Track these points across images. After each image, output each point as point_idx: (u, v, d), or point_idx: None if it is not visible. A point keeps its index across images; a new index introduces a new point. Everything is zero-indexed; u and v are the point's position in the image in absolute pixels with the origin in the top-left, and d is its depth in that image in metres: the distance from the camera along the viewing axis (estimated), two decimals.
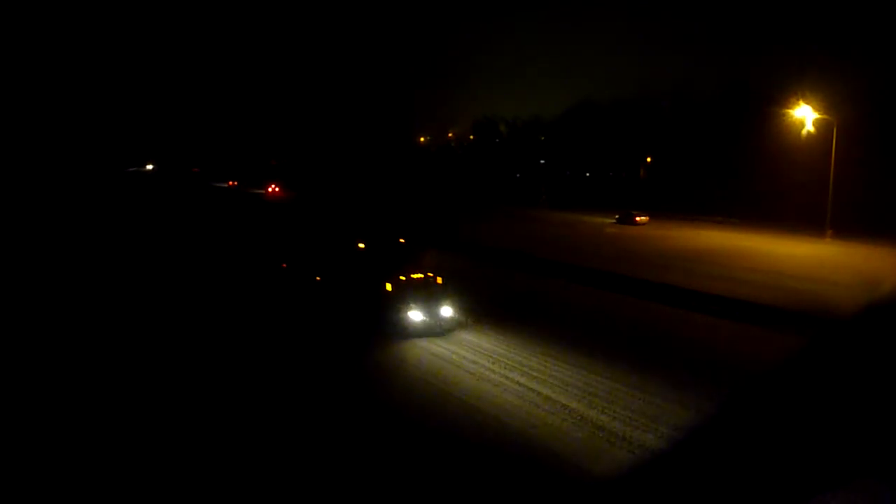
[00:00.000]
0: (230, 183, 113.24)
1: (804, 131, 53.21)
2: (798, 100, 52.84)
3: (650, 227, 58.20)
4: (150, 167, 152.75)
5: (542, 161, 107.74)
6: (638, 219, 59.82)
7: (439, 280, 21.26)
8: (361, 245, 23.15)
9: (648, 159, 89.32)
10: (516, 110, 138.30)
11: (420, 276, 21.10)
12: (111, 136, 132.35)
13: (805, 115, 52.35)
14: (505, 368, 17.41)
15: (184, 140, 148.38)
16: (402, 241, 23.45)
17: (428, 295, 20.31)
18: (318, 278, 24.76)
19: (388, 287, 20.68)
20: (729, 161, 68.38)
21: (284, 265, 27.96)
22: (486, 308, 22.99)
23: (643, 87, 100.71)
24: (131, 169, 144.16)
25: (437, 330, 20.13)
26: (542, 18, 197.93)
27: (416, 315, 19.94)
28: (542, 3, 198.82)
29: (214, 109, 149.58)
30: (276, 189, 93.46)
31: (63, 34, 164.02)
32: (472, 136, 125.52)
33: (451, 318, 20.62)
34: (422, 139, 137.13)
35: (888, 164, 54.58)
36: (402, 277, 20.76)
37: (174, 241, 42.67)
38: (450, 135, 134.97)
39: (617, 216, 62.32)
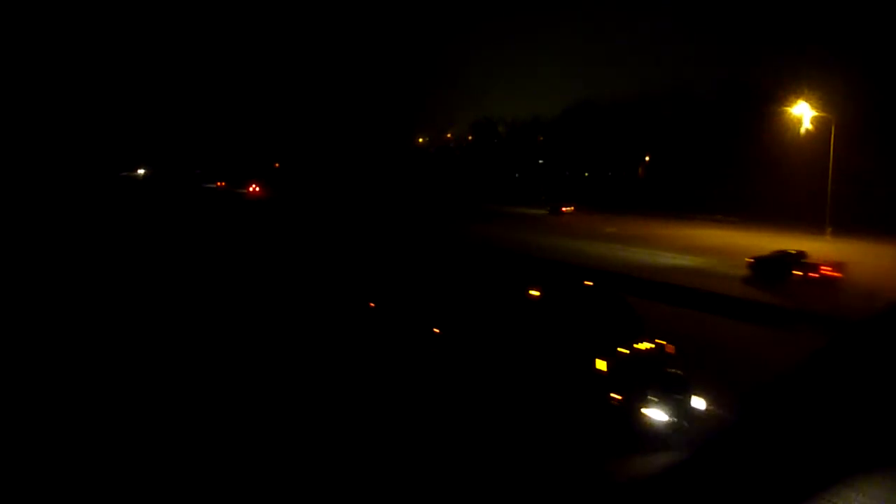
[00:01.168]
0: (218, 184, 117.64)
1: (802, 129, 53.45)
2: (796, 98, 53.10)
3: (658, 227, 58.35)
4: (141, 171, 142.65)
5: (540, 161, 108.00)
6: (564, 209, 71.96)
7: (670, 349, 13.77)
8: (535, 292, 14.49)
9: (647, 158, 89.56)
10: (515, 111, 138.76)
11: (649, 345, 13.58)
12: (99, 140, 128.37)
13: (803, 113, 52.59)
14: None
15: (180, 143, 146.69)
16: (588, 283, 15.51)
17: (667, 378, 12.87)
18: (436, 330, 16.53)
19: (602, 365, 12.99)
20: (728, 159, 68.60)
21: (372, 304, 19.67)
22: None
23: (642, 87, 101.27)
24: (123, 174, 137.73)
25: (690, 435, 12.46)
26: (541, 19, 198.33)
27: (657, 413, 12.47)
28: (542, 3, 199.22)
29: (212, 111, 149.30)
30: (257, 189, 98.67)
31: (46, 33, 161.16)
32: (470, 137, 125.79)
33: (707, 413, 13.01)
34: (420, 140, 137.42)
35: (886, 161, 54.86)
36: (624, 350, 13.24)
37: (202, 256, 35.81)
38: (448, 135, 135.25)
39: (549, 208, 73.13)
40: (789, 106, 53.67)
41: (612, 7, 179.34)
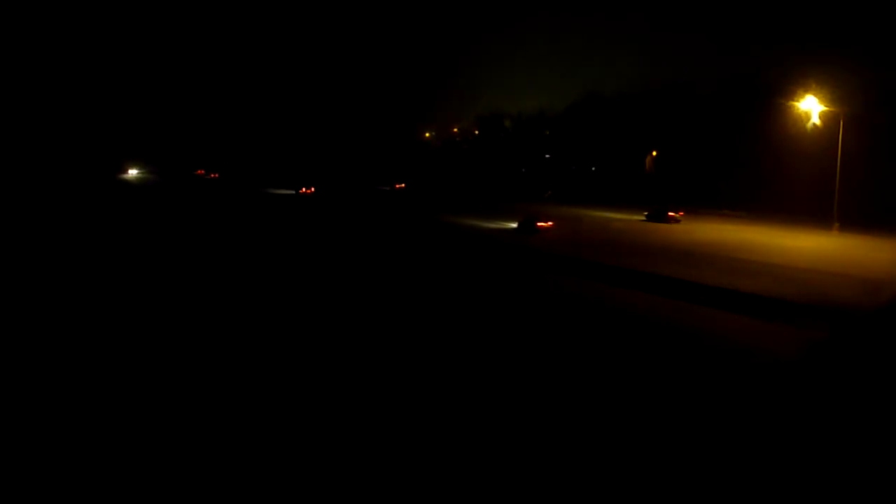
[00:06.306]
0: (198, 171, 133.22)
1: (810, 124, 53.11)
2: (804, 92, 52.72)
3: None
4: (133, 172, 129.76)
5: (547, 156, 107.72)
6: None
7: None
8: None
9: (654, 153, 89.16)
10: (521, 105, 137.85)
11: None
12: (84, 139, 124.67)
13: (811, 108, 52.24)
14: None
15: (171, 140, 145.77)
16: None
17: None
18: None
19: None
20: (735, 154, 68.23)
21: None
22: None
23: (648, 80, 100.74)
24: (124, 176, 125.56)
25: None
26: (547, 13, 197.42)
27: None
28: None
29: (210, 108, 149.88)
30: (215, 175, 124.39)
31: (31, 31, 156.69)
32: (476, 132, 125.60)
33: None
34: (426, 135, 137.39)
35: (895, 157, 54.47)
36: None
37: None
38: (454, 130, 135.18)
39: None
40: (797, 100, 53.34)
41: (617, 1, 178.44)
